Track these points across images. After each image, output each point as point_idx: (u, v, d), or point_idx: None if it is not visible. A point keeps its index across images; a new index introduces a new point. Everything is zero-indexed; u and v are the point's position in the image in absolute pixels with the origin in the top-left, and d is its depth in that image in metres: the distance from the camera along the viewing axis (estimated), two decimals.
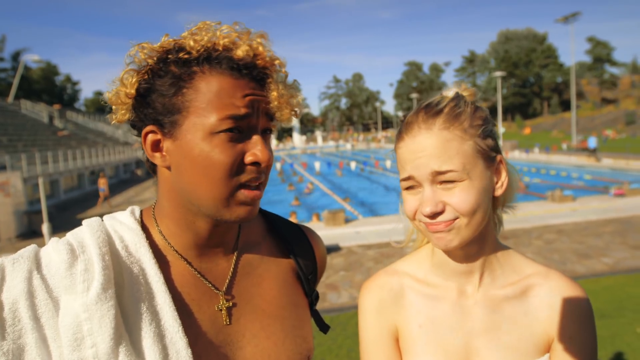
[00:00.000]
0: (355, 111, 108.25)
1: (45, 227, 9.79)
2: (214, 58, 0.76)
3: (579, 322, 0.93)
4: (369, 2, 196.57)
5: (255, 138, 0.78)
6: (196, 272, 0.85)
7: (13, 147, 23.52)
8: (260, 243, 0.97)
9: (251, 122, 0.77)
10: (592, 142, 26.83)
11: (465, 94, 0.94)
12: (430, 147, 0.85)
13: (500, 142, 0.98)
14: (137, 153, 35.63)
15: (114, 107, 0.81)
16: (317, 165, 28.49)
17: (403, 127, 0.91)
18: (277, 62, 0.80)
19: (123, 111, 0.81)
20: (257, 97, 0.77)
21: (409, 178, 0.89)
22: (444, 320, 0.97)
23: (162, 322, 0.76)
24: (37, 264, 0.72)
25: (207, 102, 0.74)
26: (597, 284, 6.48)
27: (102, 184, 18.57)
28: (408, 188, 0.91)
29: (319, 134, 73.60)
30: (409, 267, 1.05)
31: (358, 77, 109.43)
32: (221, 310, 0.84)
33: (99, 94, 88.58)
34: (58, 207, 18.02)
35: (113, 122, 0.83)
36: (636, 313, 5.32)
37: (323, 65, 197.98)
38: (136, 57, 0.78)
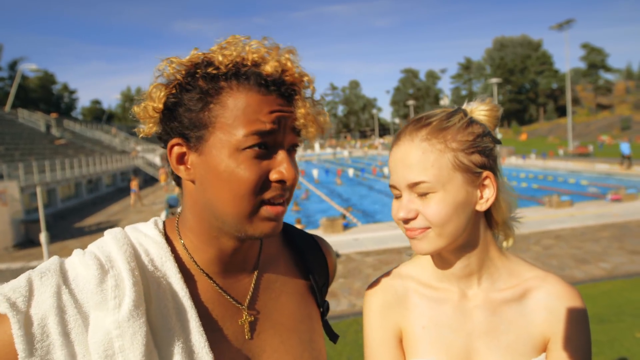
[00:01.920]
0: (352, 118, 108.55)
1: (42, 236, 9.74)
2: (242, 73, 0.75)
3: (574, 325, 0.96)
4: (365, 10, 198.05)
5: (282, 155, 0.77)
6: (219, 288, 0.85)
7: (10, 156, 23.46)
8: (278, 257, 0.97)
9: (277, 139, 0.77)
10: (626, 148, 23.54)
11: (483, 108, 0.98)
12: (408, 157, 0.92)
13: (500, 161, 0.99)
14: (135, 161, 35.60)
15: (142, 120, 0.81)
16: (315, 172, 28.50)
17: (394, 137, 0.98)
18: (305, 78, 0.80)
19: (151, 124, 0.81)
20: (284, 113, 0.77)
21: (392, 186, 0.96)
22: (446, 322, 1.00)
23: (189, 337, 0.76)
24: (64, 277, 0.71)
25: (234, 118, 0.74)
26: (596, 289, 6.49)
27: (134, 185, 19.98)
28: (395, 196, 0.97)
29: (316, 142, 73.75)
30: (413, 271, 1.08)
31: (355, 85, 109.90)
32: (243, 325, 0.85)
33: (96, 102, 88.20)
34: (55, 216, 17.95)
35: (141, 135, 0.83)
36: (635, 318, 5.32)
37: (320, 73, 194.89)
38: (165, 72, 0.78)
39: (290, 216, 14.55)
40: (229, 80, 0.75)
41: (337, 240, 10.14)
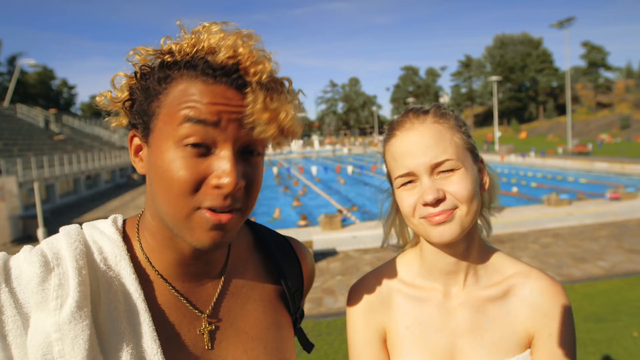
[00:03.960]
0: (352, 115, 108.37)
1: (40, 232, 9.74)
2: (192, 61, 0.69)
3: (558, 320, 0.96)
4: (365, 7, 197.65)
5: (224, 156, 0.68)
6: (177, 293, 0.78)
7: (8, 151, 23.41)
8: (247, 260, 0.91)
9: (219, 136, 0.68)
10: None
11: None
12: (426, 136, 0.90)
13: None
14: None
15: (108, 109, 0.78)
16: (314, 169, 28.49)
17: (395, 125, 0.96)
18: (259, 67, 0.68)
19: (122, 114, 0.77)
20: (229, 107, 0.67)
21: (407, 174, 0.91)
22: (430, 321, 1.00)
23: (140, 342, 0.70)
24: (7, 275, 0.66)
25: (173, 107, 0.68)
26: (593, 287, 6.50)
27: None
28: (405, 184, 0.93)
29: (315, 139, 73.63)
30: (397, 270, 1.07)
31: (355, 82, 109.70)
32: (203, 334, 0.79)
33: (95, 98, 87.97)
34: (54, 211, 17.93)
35: (113, 124, 0.79)
36: (632, 317, 5.33)
37: (320, 70, 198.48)
38: (134, 62, 0.74)
39: (293, 212, 14.55)
40: (180, 70, 0.69)
41: (335, 238, 10.13)
